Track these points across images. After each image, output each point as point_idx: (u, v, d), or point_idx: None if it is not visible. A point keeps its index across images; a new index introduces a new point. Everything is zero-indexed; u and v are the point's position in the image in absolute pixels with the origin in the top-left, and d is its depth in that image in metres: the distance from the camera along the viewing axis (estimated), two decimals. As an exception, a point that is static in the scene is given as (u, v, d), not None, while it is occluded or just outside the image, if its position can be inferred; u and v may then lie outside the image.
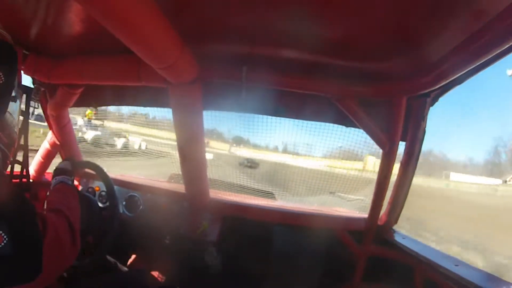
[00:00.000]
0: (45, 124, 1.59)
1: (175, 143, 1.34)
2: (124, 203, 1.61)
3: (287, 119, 1.37)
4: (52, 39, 1.11)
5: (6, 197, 0.54)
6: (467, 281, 0.88)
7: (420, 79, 0.97)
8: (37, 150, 1.67)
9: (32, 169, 1.64)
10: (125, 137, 3.42)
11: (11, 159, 0.71)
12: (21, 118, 1.14)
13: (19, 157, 1.18)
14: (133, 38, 0.75)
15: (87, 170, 1.69)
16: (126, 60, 1.13)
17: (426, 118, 1.13)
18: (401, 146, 1.20)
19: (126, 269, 1.46)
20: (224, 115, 1.39)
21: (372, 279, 1.38)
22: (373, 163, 1.51)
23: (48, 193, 0.98)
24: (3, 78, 0.57)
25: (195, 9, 0.84)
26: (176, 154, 1.39)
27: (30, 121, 1.21)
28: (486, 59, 0.74)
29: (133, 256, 1.62)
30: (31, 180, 1.32)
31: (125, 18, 0.66)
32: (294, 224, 1.49)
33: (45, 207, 0.90)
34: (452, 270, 0.95)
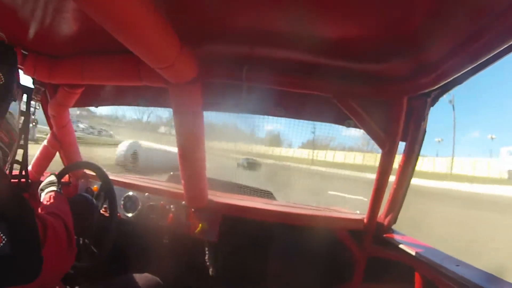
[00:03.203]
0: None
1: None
2: (122, 203, 1.61)
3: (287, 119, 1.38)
4: (52, 39, 1.11)
5: (5, 198, 0.54)
6: (468, 281, 0.88)
7: (421, 79, 0.97)
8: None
9: (31, 169, 1.64)
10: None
11: (12, 159, 0.71)
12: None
13: (18, 157, 1.18)
14: (132, 39, 0.75)
15: (85, 170, 1.69)
16: (126, 60, 1.13)
17: (426, 118, 1.13)
18: (400, 146, 1.20)
19: (124, 270, 1.46)
20: (223, 115, 1.39)
21: (372, 279, 1.37)
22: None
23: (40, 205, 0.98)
24: (3, 79, 0.57)
25: (195, 9, 0.84)
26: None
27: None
28: (486, 59, 0.74)
29: (131, 257, 1.61)
30: (30, 181, 1.31)
31: (124, 19, 0.66)
32: (293, 224, 1.49)
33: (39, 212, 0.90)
34: (452, 270, 0.95)
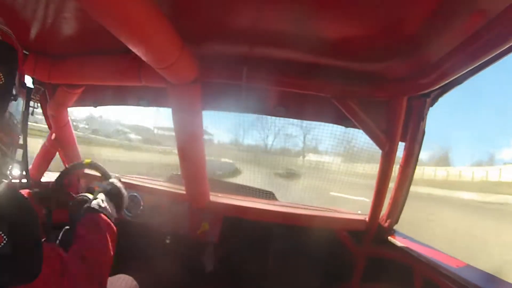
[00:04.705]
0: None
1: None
2: None
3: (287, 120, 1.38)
4: (52, 39, 1.11)
5: (6, 197, 0.54)
6: (467, 282, 0.88)
7: (420, 79, 0.97)
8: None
9: (32, 169, 1.64)
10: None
11: (12, 159, 0.71)
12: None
13: (18, 157, 1.18)
14: (133, 38, 0.75)
15: (87, 170, 1.69)
16: (126, 60, 1.13)
17: (425, 118, 1.13)
18: (401, 147, 1.21)
19: (126, 270, 1.46)
20: (224, 115, 1.39)
21: (372, 280, 1.37)
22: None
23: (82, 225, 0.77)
24: (2, 79, 0.57)
25: (196, 10, 0.84)
26: None
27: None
28: (486, 59, 0.74)
29: (133, 257, 1.61)
30: (30, 180, 1.31)
31: (125, 18, 0.66)
32: (294, 224, 1.49)
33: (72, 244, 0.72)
34: (452, 271, 0.95)
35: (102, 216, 0.79)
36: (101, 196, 0.86)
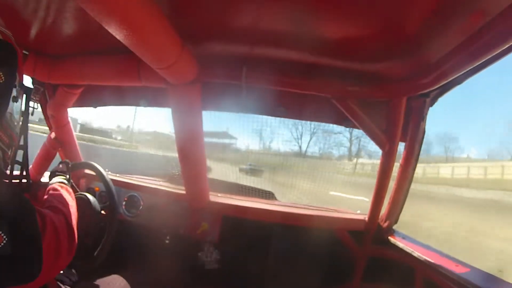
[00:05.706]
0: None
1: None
2: (124, 203, 1.61)
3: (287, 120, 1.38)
4: (52, 39, 1.11)
5: (6, 197, 0.54)
6: (467, 282, 0.88)
7: (420, 79, 0.97)
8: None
9: (32, 169, 1.64)
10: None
11: (12, 159, 0.71)
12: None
13: (19, 158, 1.17)
14: (133, 39, 0.75)
15: (87, 171, 1.69)
16: (126, 60, 1.13)
17: (425, 118, 1.13)
18: (401, 147, 1.21)
19: (125, 270, 1.46)
20: (223, 115, 1.39)
21: (372, 280, 1.38)
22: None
23: (45, 195, 0.97)
24: (3, 78, 0.57)
25: (195, 10, 0.84)
26: None
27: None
28: (486, 59, 0.74)
29: (133, 257, 1.62)
30: (31, 181, 1.31)
31: (125, 19, 0.66)
32: (293, 224, 1.49)
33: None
34: (452, 271, 0.95)
35: (56, 184, 0.98)
36: (54, 179, 1.06)
